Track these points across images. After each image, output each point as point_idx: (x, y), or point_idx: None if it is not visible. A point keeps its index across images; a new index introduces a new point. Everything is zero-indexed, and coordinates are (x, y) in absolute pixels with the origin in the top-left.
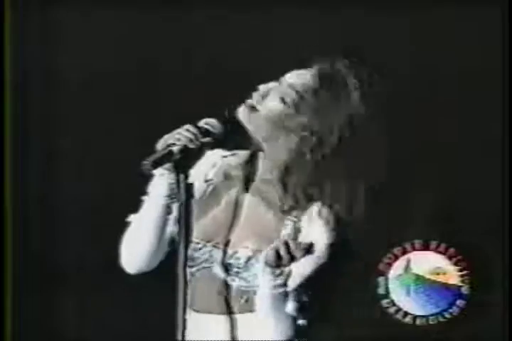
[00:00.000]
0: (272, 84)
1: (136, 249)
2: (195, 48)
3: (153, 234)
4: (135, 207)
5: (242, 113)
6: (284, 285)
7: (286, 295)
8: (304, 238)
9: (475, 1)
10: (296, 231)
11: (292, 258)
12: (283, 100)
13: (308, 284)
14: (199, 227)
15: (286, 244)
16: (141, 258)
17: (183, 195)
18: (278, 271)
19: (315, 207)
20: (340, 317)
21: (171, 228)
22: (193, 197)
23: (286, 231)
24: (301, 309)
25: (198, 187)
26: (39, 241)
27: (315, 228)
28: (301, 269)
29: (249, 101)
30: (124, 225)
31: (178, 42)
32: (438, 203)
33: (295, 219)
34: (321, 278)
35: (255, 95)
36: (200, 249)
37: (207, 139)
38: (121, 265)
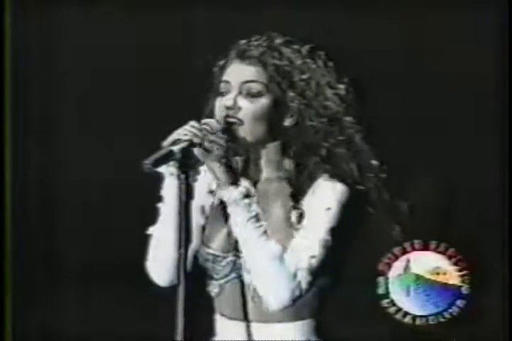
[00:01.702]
0: (230, 96)
1: (162, 262)
2: (197, 48)
3: (177, 246)
4: (135, 206)
5: (228, 131)
6: (260, 220)
7: (265, 233)
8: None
9: (474, 3)
10: (300, 217)
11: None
12: (252, 96)
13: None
14: (215, 239)
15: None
16: (168, 271)
17: (184, 196)
18: (245, 200)
19: (323, 180)
20: (340, 317)
21: (193, 235)
22: (193, 198)
23: (294, 218)
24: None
25: (204, 198)
26: (39, 240)
27: (321, 200)
28: (309, 250)
29: (229, 120)
30: (124, 224)
31: (180, 42)
32: (438, 203)
33: (300, 208)
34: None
35: (230, 112)
36: (220, 261)
37: (211, 135)
38: (121, 263)
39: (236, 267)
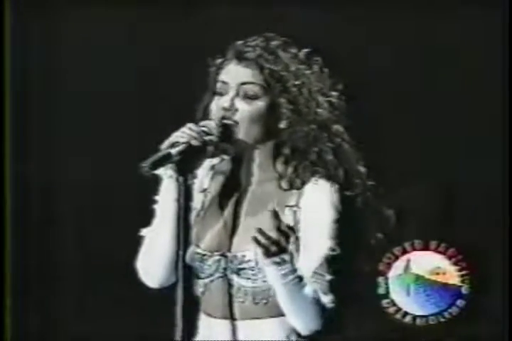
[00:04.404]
0: (227, 97)
1: (156, 264)
2: (199, 48)
3: (171, 248)
4: (134, 207)
5: (225, 133)
6: (294, 271)
7: (300, 280)
8: (305, 219)
9: (476, 2)
10: (296, 221)
11: (277, 244)
12: (249, 98)
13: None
14: (204, 238)
15: (262, 233)
16: (160, 273)
17: (183, 199)
18: (278, 260)
19: (314, 181)
20: (340, 317)
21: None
22: (191, 200)
23: (287, 220)
24: (323, 289)
25: (196, 198)
26: (39, 241)
27: (317, 204)
28: (313, 255)
29: (226, 122)
30: (124, 225)
31: (180, 44)
32: (438, 203)
33: (294, 208)
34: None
35: (227, 114)
36: (207, 259)
37: (209, 137)
38: (120, 264)
39: (221, 266)
